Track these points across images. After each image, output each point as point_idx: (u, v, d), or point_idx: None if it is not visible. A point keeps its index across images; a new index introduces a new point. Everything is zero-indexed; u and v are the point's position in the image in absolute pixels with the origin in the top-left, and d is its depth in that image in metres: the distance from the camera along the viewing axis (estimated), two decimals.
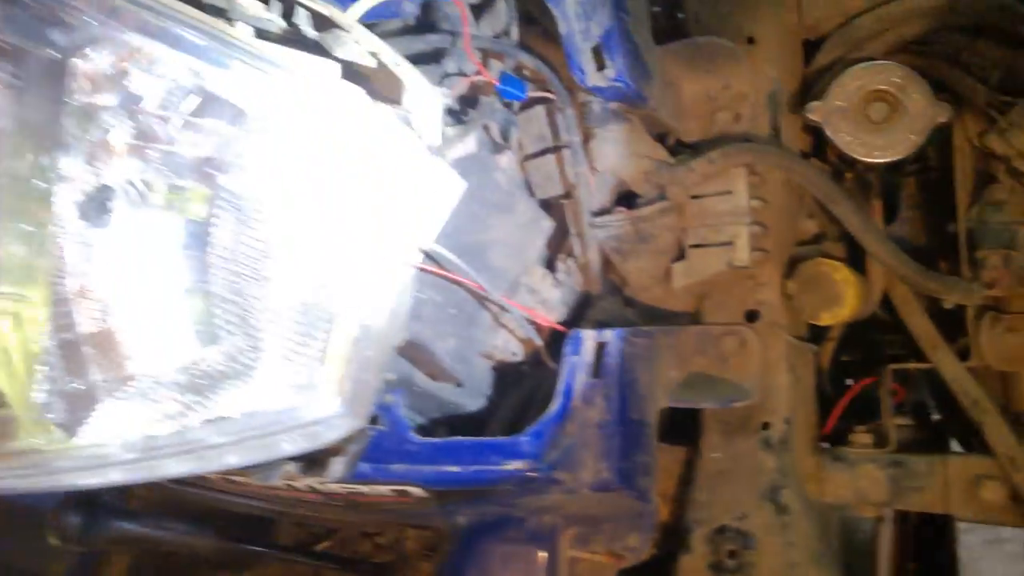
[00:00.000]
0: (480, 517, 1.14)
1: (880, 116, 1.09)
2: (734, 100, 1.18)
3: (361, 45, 0.76)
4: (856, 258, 1.14)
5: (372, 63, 0.78)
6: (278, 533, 1.68)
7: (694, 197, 1.14)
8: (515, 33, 1.17)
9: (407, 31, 1.12)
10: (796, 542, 1.07)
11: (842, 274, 1.09)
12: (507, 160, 1.18)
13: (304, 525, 1.72)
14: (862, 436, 1.15)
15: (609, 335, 1.07)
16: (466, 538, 1.15)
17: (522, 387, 1.18)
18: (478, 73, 1.09)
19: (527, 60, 1.14)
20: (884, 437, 1.14)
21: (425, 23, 1.15)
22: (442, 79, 1.06)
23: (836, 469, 1.12)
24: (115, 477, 0.78)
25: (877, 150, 1.09)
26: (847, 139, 1.09)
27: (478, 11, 1.15)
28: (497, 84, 1.10)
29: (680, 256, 1.15)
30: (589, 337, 1.07)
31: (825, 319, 1.11)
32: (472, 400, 1.18)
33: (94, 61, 0.66)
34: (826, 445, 1.19)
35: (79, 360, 0.75)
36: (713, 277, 1.13)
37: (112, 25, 0.65)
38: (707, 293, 1.16)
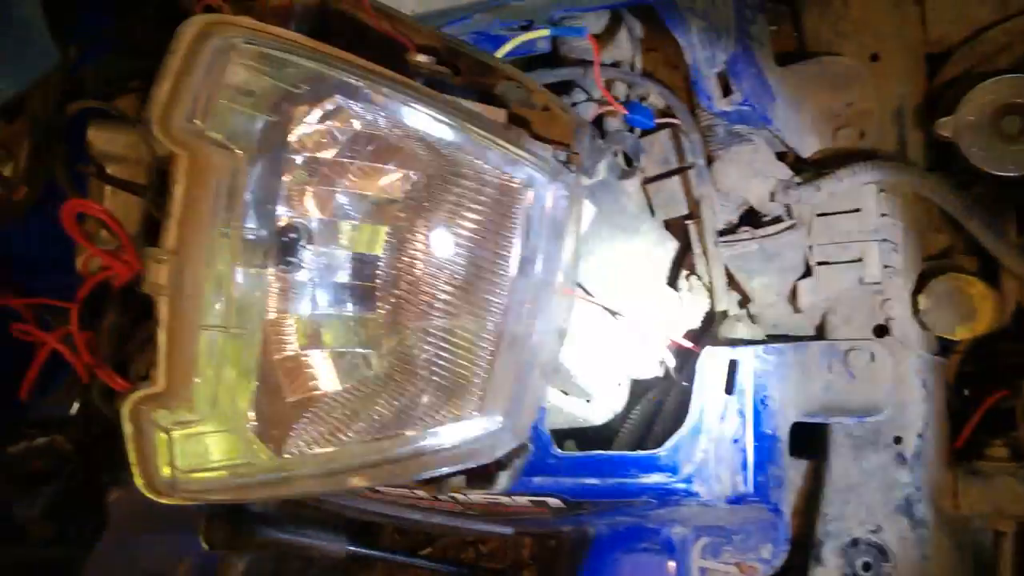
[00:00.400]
0: (611, 528, 1.19)
1: (1013, 130, 1.08)
2: (858, 117, 1.19)
3: (533, 94, 0.82)
4: (989, 271, 1.14)
5: (538, 108, 0.84)
6: (380, 540, 1.77)
7: (820, 215, 1.16)
8: (639, 61, 1.22)
9: (537, 63, 1.19)
10: (933, 556, 1.07)
11: (977, 289, 1.09)
12: (633, 184, 1.22)
13: (406, 532, 1.80)
14: (998, 449, 1.14)
15: (740, 352, 1.10)
16: (597, 548, 1.20)
17: (648, 402, 1.22)
18: (607, 103, 1.15)
19: (652, 87, 1.19)
20: (1022, 450, 1.13)
21: (551, 54, 1.22)
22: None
23: (972, 483, 1.12)
24: (307, 490, 0.86)
25: (1011, 164, 1.08)
26: (980, 154, 1.09)
27: (601, 40, 1.20)
28: (626, 113, 1.15)
29: (806, 273, 1.17)
30: (720, 354, 1.10)
31: (961, 334, 1.11)
32: (599, 414, 1.22)
33: (306, 123, 0.75)
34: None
35: (278, 385, 0.84)
36: (840, 293, 1.15)
37: (322, 91, 0.73)
38: (832, 309, 1.18)
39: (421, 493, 1.18)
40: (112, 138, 0.95)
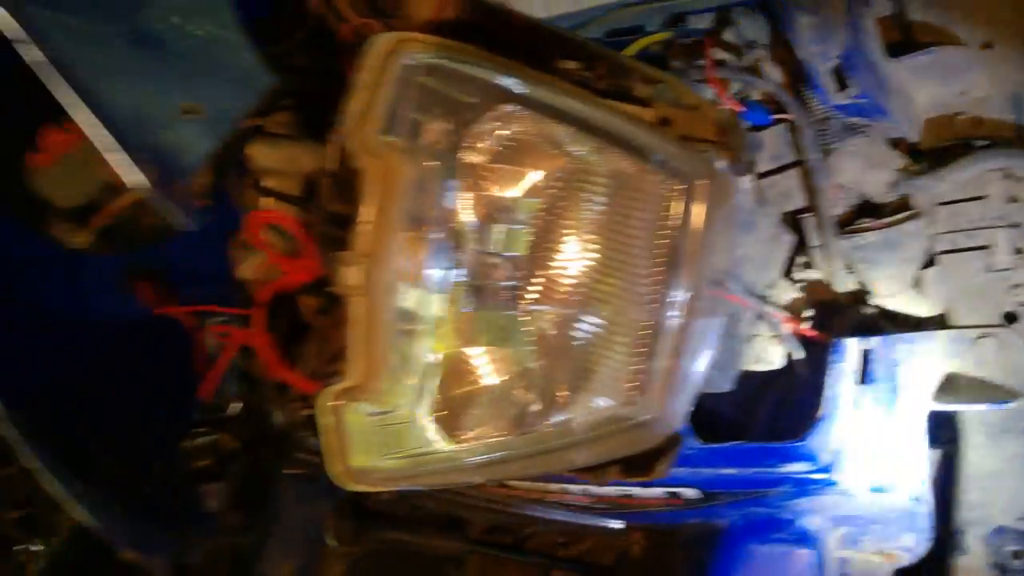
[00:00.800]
0: (744, 518, 1.20)
1: None
2: (973, 105, 1.20)
3: (682, 93, 0.86)
4: None
5: (685, 107, 0.87)
6: (469, 535, 1.79)
7: (943, 203, 1.16)
8: (748, 59, 1.25)
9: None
10: None
11: None
12: (748, 181, 1.24)
13: (494, 530, 1.82)
14: None
15: (872, 342, 1.11)
16: (729, 539, 1.21)
17: (774, 392, 1.23)
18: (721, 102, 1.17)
19: (763, 84, 1.21)
20: None
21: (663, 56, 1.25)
22: None
23: None
24: (473, 477, 0.90)
25: None
26: None
27: (711, 39, 1.23)
28: (742, 110, 1.17)
29: (929, 263, 1.18)
30: (852, 345, 1.11)
31: None
32: (724, 406, 1.24)
33: (475, 131, 0.79)
34: None
35: (447, 379, 0.88)
36: (967, 281, 1.15)
37: (492, 100, 0.78)
38: (958, 297, 1.18)
39: (552, 487, 1.21)
40: (269, 153, 1.01)
